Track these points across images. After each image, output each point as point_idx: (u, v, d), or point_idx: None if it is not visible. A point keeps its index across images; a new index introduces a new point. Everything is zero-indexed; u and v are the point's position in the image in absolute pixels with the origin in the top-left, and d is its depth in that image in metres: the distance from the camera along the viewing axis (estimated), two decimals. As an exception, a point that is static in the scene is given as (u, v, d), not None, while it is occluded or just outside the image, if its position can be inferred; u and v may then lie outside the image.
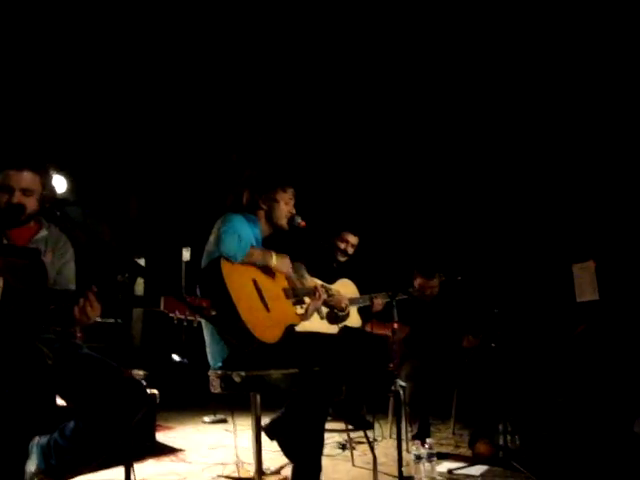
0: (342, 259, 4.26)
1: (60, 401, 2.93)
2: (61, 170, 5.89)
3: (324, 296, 3.31)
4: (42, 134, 5.86)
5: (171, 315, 2.29)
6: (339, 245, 4.26)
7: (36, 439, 2.40)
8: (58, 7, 5.28)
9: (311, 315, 3.30)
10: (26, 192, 2.42)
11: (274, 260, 2.99)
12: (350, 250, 4.30)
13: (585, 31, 5.51)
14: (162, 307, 2.28)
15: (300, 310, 3.20)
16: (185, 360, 5.96)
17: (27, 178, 2.43)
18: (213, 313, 2.39)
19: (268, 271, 3.02)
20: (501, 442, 3.69)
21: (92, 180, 6.69)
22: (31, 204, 2.43)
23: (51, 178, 2.53)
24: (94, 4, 5.33)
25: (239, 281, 2.81)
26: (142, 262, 7.52)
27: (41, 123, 5.92)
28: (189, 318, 2.29)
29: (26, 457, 2.31)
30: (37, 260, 2.25)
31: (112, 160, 6.96)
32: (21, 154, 2.47)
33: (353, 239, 4.37)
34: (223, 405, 5.45)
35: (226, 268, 2.77)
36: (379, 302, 3.95)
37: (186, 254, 6.26)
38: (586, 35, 5.53)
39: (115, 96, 6.38)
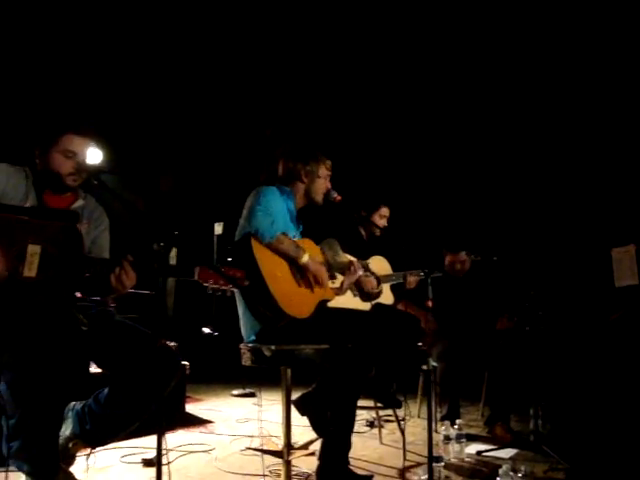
0: (378, 233, 4.16)
1: (95, 369, 2.98)
2: (98, 141, 5.94)
3: (360, 271, 3.27)
4: (81, 104, 5.90)
5: (205, 285, 2.28)
6: (377, 220, 4.17)
7: (72, 404, 2.43)
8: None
9: (346, 290, 3.27)
10: (70, 155, 2.41)
11: (306, 258, 2.88)
12: (386, 223, 4.22)
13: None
14: (196, 276, 2.27)
15: (333, 285, 3.17)
16: (215, 332, 6.00)
17: (88, 145, 2.44)
18: (247, 284, 2.38)
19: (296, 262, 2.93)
20: (532, 426, 3.64)
21: (127, 153, 6.74)
22: (84, 170, 2.43)
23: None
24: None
25: (271, 256, 2.79)
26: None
27: (80, 94, 5.96)
28: (222, 288, 2.27)
29: (62, 421, 2.35)
30: (74, 225, 2.26)
31: (147, 133, 7.00)
32: (85, 120, 2.46)
33: (388, 212, 4.28)
34: (252, 379, 5.50)
35: (256, 245, 2.74)
36: (413, 280, 3.90)
37: (218, 228, 6.27)
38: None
39: (152, 71, 6.40)
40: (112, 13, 5.65)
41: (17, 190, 2.35)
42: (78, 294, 2.38)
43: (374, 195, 4.29)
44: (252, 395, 5.55)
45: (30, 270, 2.17)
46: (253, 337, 2.85)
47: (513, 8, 5.46)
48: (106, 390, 2.37)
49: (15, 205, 2.28)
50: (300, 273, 2.90)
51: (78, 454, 2.44)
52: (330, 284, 3.16)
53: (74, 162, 2.39)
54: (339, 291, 3.18)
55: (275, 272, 2.76)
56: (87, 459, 2.57)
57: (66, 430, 2.38)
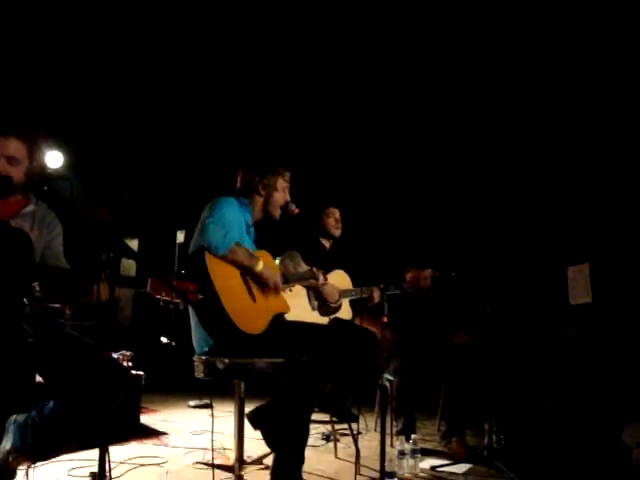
0: (337, 233, 4.12)
1: (40, 379, 2.89)
2: (58, 146, 5.84)
3: (321, 279, 3.27)
4: (41, 108, 5.80)
5: (157, 297, 2.24)
6: (328, 223, 4.13)
7: (13, 417, 2.36)
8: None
9: (296, 283, 3.26)
10: (11, 161, 2.34)
11: (260, 265, 2.86)
12: (339, 224, 4.16)
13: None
14: (148, 288, 2.23)
15: (290, 292, 3.16)
16: (173, 343, 5.92)
17: (13, 146, 2.35)
18: (198, 298, 2.35)
19: (251, 272, 2.91)
20: (486, 441, 3.67)
21: (89, 160, 6.63)
22: (17, 174, 2.35)
23: (41, 151, 2.46)
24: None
25: (224, 271, 2.75)
26: (136, 243, 7.49)
27: (42, 99, 5.86)
28: (175, 301, 2.24)
29: (2, 435, 2.27)
30: (20, 231, 2.20)
31: (109, 140, 6.90)
32: (6, 120, 2.39)
33: (337, 212, 4.19)
34: (209, 390, 5.42)
35: (210, 259, 2.70)
36: (377, 295, 3.87)
37: (180, 236, 6.20)
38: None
39: (115, 77, 6.33)
40: (78, 15, 5.57)
41: None
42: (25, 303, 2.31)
43: (317, 203, 4.24)
44: (208, 406, 5.48)
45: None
46: (206, 349, 2.81)
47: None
48: (50, 403, 2.30)
49: None
50: (255, 286, 2.88)
51: (19, 468, 2.36)
52: (287, 292, 3.15)
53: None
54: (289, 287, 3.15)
55: (229, 286, 2.72)
56: (26, 474, 2.48)
57: (6, 444, 2.30)
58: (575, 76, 5.77)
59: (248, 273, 2.86)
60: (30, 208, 2.47)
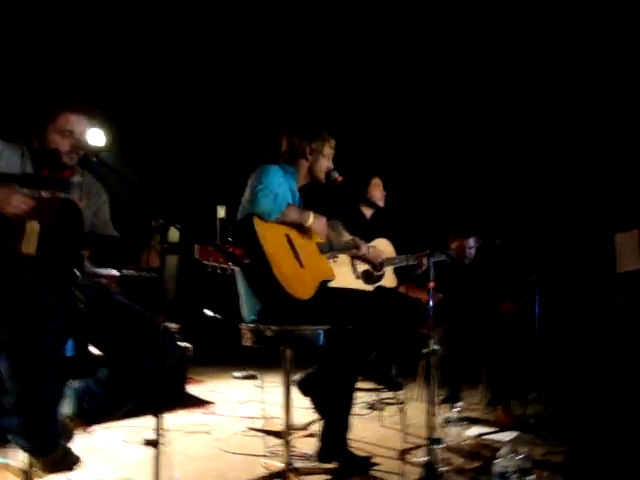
0: (382, 203, 4.13)
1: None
2: (100, 122, 5.91)
3: (364, 248, 3.26)
4: (81, 85, 5.88)
5: (205, 262, 2.26)
6: (375, 193, 4.13)
7: (71, 382, 2.43)
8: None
9: (341, 253, 3.28)
10: (66, 134, 2.36)
11: (311, 219, 2.91)
12: (383, 192, 4.18)
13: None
14: (196, 254, 2.25)
15: (334, 262, 3.16)
16: (217, 315, 6.01)
17: (86, 123, 2.40)
18: (246, 261, 2.36)
19: (302, 227, 2.97)
20: (532, 409, 3.64)
21: (130, 134, 6.71)
22: (82, 148, 2.39)
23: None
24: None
25: (272, 237, 2.77)
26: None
27: (81, 72, 5.94)
28: (223, 266, 2.25)
29: (61, 399, 2.35)
30: (73, 201, 2.25)
31: (150, 115, 6.97)
32: (83, 98, 2.42)
33: (380, 181, 4.24)
34: (253, 361, 5.50)
35: (259, 224, 2.73)
36: (425, 262, 3.83)
37: (221, 211, 6.26)
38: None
39: (153, 53, 6.36)
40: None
41: (10, 167, 2.32)
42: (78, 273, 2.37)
43: (363, 171, 4.24)
44: (253, 377, 5.56)
45: (29, 247, 2.16)
46: (254, 317, 2.84)
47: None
48: (104, 369, 2.37)
49: (6, 173, 2.26)
50: (303, 252, 2.89)
51: (76, 431, 2.43)
52: (332, 261, 3.15)
53: (71, 140, 2.36)
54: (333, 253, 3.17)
55: (277, 252, 2.74)
56: (86, 438, 2.58)
57: (65, 408, 2.38)
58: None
59: (299, 229, 2.90)
60: (77, 178, 2.51)
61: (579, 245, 5.65)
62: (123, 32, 6.00)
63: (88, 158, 2.34)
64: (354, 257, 3.54)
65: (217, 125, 7.33)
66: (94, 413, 2.39)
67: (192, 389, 4.80)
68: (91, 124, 2.47)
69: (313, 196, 3.15)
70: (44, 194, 2.32)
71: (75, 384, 2.42)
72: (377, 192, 4.12)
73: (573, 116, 6.21)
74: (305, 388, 3.01)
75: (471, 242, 4.28)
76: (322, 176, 3.07)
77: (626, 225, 4.35)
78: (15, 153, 2.36)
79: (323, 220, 2.99)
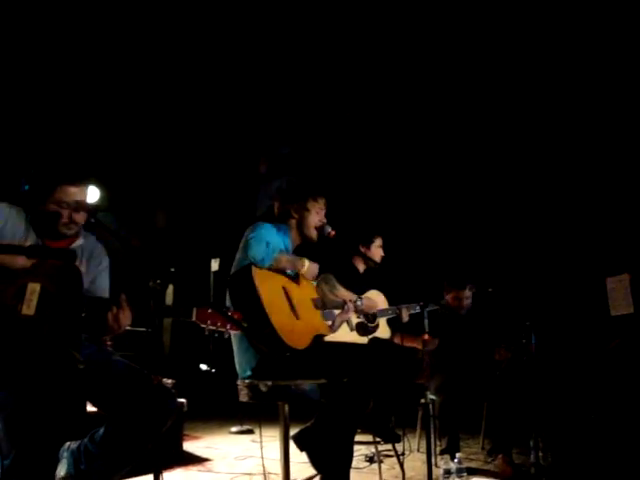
0: (378, 264, 4.20)
1: (91, 407, 2.95)
2: (94, 180, 5.97)
3: (352, 311, 3.30)
4: (76, 146, 5.97)
5: (203, 326, 2.29)
6: (377, 252, 4.20)
7: (67, 444, 2.41)
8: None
9: (338, 327, 3.29)
10: (79, 207, 2.42)
11: (306, 266, 2.99)
12: (382, 253, 4.24)
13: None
14: (194, 318, 2.28)
15: (328, 322, 3.19)
16: (213, 370, 5.97)
17: (83, 192, 2.45)
18: (244, 325, 2.39)
19: (297, 280, 3.02)
20: (532, 458, 3.61)
21: (122, 190, 6.78)
22: (80, 218, 2.44)
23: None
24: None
25: (269, 287, 2.82)
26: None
27: (72, 135, 6.04)
28: (220, 329, 2.29)
29: (57, 462, 2.33)
30: (72, 262, 2.27)
31: (142, 171, 7.05)
32: (77, 169, 2.48)
33: (381, 240, 4.31)
34: (250, 416, 5.45)
35: (256, 273, 2.79)
36: (406, 313, 3.91)
37: (215, 265, 6.27)
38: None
39: (146, 109, 6.48)
40: (99, 48, 5.74)
41: (16, 230, 2.37)
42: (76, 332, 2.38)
43: (366, 227, 4.31)
44: (250, 432, 5.49)
45: (29, 308, 2.18)
46: (249, 372, 2.85)
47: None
48: (102, 429, 2.35)
49: (14, 245, 2.30)
50: (297, 304, 2.92)
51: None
52: (327, 322, 3.19)
53: (69, 212, 2.41)
54: (331, 329, 3.19)
55: (274, 302, 2.80)
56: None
57: (61, 470, 2.35)
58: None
59: (289, 293, 2.93)
60: (79, 242, 2.55)
61: (572, 289, 5.68)
62: (113, 89, 6.12)
63: (88, 220, 2.38)
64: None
65: (208, 178, 7.42)
66: (92, 475, 2.35)
67: (188, 446, 4.73)
68: (88, 191, 2.51)
69: (307, 254, 3.21)
70: None
71: (72, 445, 2.40)
72: (378, 252, 4.20)
73: (561, 160, 6.32)
74: (301, 443, 2.99)
75: (467, 292, 4.33)
76: (312, 233, 3.15)
77: (616, 269, 4.41)
78: (20, 217, 2.42)
79: (316, 265, 3.07)
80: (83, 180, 2.45)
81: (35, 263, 2.23)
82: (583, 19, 5.40)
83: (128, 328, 2.37)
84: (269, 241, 2.88)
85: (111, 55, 5.79)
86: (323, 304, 3.15)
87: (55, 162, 2.48)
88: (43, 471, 2.17)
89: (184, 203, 7.71)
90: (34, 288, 2.20)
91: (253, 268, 2.79)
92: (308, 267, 3.00)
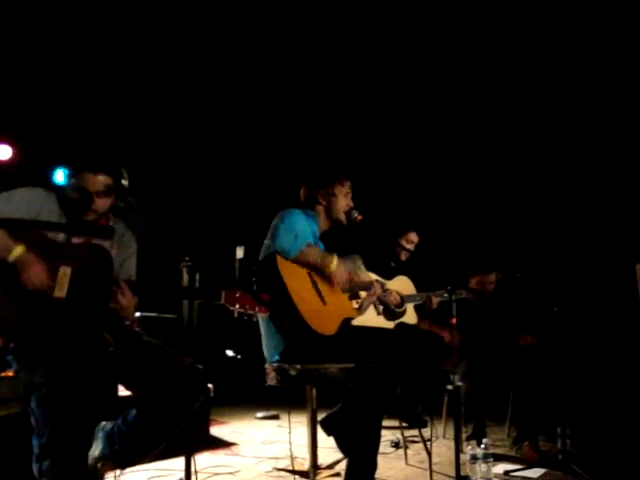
0: (404, 258, 4.27)
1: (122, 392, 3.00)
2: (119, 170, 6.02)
3: (379, 291, 3.28)
4: (100, 134, 6.03)
5: (231, 309, 2.30)
6: (404, 245, 4.27)
7: (102, 424, 2.46)
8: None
9: (366, 310, 3.28)
10: (101, 194, 2.44)
11: (335, 264, 2.93)
12: (412, 248, 4.31)
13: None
14: (223, 300, 2.30)
15: (355, 304, 3.19)
16: (238, 355, 6.01)
17: (102, 181, 2.45)
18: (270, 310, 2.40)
19: (324, 272, 2.99)
20: (559, 445, 3.58)
21: (146, 175, 6.82)
22: (101, 205, 2.46)
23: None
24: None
25: (295, 274, 2.82)
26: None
27: (97, 123, 6.11)
28: (249, 312, 2.30)
29: (91, 441, 2.37)
30: (104, 247, 2.31)
31: (168, 156, 7.09)
32: (94, 156, 2.50)
33: (416, 238, 4.40)
34: (276, 401, 5.48)
35: (281, 263, 2.79)
36: (435, 301, 3.91)
37: (240, 252, 6.28)
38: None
39: (174, 97, 6.54)
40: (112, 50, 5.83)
41: (51, 215, 2.41)
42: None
43: (401, 220, 4.36)
44: (276, 417, 5.52)
45: (60, 291, 2.22)
46: (277, 357, 2.86)
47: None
48: (134, 411, 2.39)
49: (53, 222, 2.34)
50: (324, 289, 2.93)
51: (107, 475, 2.45)
52: (354, 304, 3.18)
53: (91, 198, 2.44)
54: (359, 311, 3.19)
55: (300, 289, 2.79)
56: None
57: (95, 450, 2.40)
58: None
59: (320, 274, 2.93)
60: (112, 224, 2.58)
61: (601, 276, 5.61)
62: (141, 82, 6.18)
63: (117, 204, 2.41)
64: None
65: (236, 163, 7.44)
66: (126, 455, 2.40)
67: (215, 430, 4.78)
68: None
69: (334, 239, 3.21)
70: (75, 240, 2.39)
71: (106, 426, 2.44)
72: (408, 245, 4.27)
73: (592, 146, 6.24)
74: (328, 427, 2.99)
75: (492, 277, 4.32)
76: (342, 216, 3.14)
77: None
78: (54, 202, 2.46)
79: (343, 269, 3.01)
80: (102, 168, 2.45)
81: (67, 246, 2.26)
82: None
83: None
84: (299, 230, 2.88)
85: (145, 55, 5.88)
86: (350, 286, 3.15)
87: (78, 150, 2.51)
88: (78, 450, 2.20)
89: (210, 189, 7.74)
90: (65, 271, 2.24)
91: (278, 258, 2.79)
92: (336, 266, 2.94)
